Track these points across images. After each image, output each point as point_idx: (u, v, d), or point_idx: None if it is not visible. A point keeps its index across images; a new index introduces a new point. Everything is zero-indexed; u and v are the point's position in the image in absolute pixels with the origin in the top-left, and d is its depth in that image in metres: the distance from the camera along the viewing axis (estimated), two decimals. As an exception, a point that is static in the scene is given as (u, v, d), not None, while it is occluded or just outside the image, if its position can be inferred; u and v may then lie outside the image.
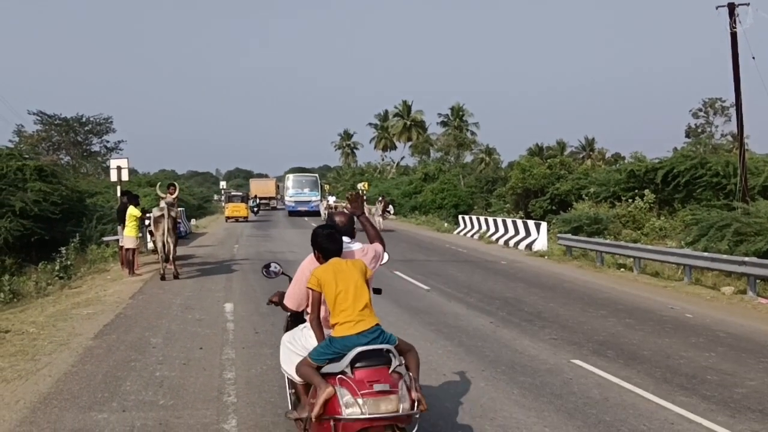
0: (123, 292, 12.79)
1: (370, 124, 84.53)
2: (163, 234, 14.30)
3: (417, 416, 3.93)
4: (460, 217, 33.62)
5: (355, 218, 5.08)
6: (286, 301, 4.68)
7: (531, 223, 24.58)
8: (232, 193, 50.21)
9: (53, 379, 6.95)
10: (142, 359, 7.74)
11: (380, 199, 35.54)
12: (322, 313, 4.34)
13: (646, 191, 27.20)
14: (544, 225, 23.76)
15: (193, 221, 37.01)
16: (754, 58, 22.24)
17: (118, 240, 17.36)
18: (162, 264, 14.52)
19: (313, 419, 3.87)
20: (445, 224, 36.27)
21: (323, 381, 3.92)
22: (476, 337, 9.25)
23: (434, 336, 9.23)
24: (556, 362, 7.91)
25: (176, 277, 14.47)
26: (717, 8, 22.19)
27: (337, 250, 4.40)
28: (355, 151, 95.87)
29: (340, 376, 3.89)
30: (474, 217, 31.23)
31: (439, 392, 6.61)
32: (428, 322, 10.23)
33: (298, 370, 4.23)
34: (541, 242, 22.82)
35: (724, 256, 14.18)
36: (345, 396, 3.79)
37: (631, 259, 17.18)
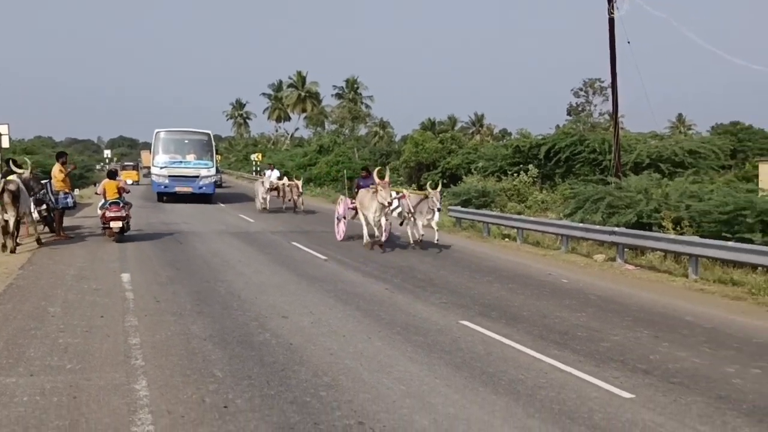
0: (10, 263, 12.38)
1: (264, 94, 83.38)
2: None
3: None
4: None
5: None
6: None
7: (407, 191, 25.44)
8: (125, 163, 60.83)
9: (-52, 349, 6.84)
10: (42, 327, 7.71)
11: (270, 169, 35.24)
12: None
13: (530, 166, 28.78)
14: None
15: (76, 191, 35.45)
16: (629, 42, 23.89)
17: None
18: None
19: None
20: (341, 196, 36.66)
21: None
22: (373, 302, 9.79)
23: (333, 302, 9.68)
24: (446, 323, 8.57)
25: (12, 251, 13.77)
26: (596, -6, 23.62)
27: None
28: (247, 121, 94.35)
29: None
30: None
31: (340, 351, 7.07)
32: (327, 289, 10.66)
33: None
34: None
35: (597, 227, 15.48)
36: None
37: (515, 230, 18.32)
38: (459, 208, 22.61)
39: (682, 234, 14.37)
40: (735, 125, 54.93)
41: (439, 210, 15.67)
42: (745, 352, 7.57)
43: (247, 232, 19.11)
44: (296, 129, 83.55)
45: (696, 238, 13.01)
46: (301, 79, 78.94)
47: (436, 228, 15.68)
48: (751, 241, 12.89)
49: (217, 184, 34.98)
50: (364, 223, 15.83)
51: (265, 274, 11.97)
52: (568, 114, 59.41)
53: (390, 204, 15.00)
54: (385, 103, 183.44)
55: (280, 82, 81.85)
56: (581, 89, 58.17)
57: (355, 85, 73.77)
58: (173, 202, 28.94)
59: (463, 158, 34.57)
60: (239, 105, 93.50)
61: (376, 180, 15.02)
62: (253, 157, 61.84)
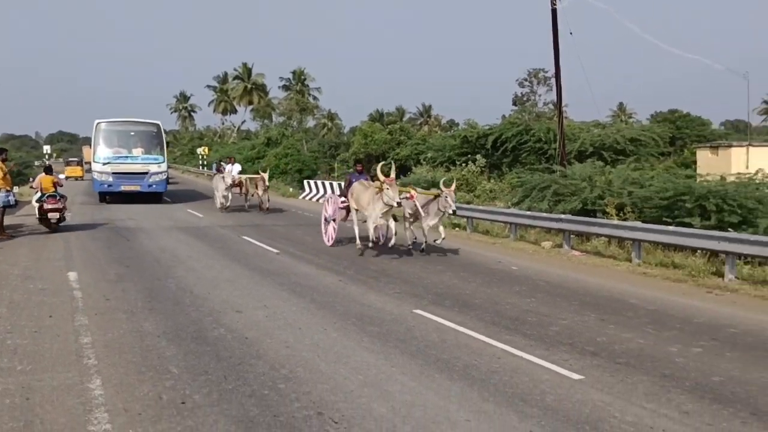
0: (-51, 265, 11.96)
1: (209, 86, 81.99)
2: None
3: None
4: (305, 182, 34.01)
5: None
6: None
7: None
8: (69, 159, 63.25)
9: None
10: (-13, 330, 7.51)
11: (217, 166, 34.78)
12: None
13: (478, 156, 29.13)
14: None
15: (16, 189, 34.33)
16: (571, 33, 24.45)
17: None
18: None
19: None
20: (290, 189, 36.49)
21: None
22: (327, 294, 9.83)
23: (287, 295, 9.68)
24: (400, 312, 8.68)
25: None
26: (541, -15, 24.06)
27: None
28: (192, 114, 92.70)
29: None
30: (320, 182, 31.76)
31: (296, 344, 7.10)
32: (280, 282, 10.64)
33: None
34: (384, 205, 23.85)
35: (544, 215, 15.84)
36: None
37: (465, 219, 18.57)
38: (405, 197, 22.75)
39: (625, 220, 14.81)
40: (673, 113, 56.53)
41: (454, 212, 13.71)
42: (687, 332, 7.90)
43: (196, 227, 18.86)
44: (243, 122, 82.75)
45: (638, 224, 13.43)
46: (247, 71, 77.95)
47: (442, 234, 13.78)
48: (690, 225, 13.36)
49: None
50: (356, 224, 14.23)
51: (217, 269, 11.87)
52: (514, 104, 60.22)
53: (399, 205, 13.15)
54: (333, 95, 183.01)
55: (226, 74, 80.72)
56: (526, 79, 59.00)
57: (303, 77, 73.27)
58: (119, 203, 26.32)
59: (412, 149, 34.78)
60: (183, 98, 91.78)
61: (381, 177, 13.11)
62: (200, 150, 60.84)
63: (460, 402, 5.49)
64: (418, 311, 8.74)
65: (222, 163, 29.77)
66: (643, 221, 14.30)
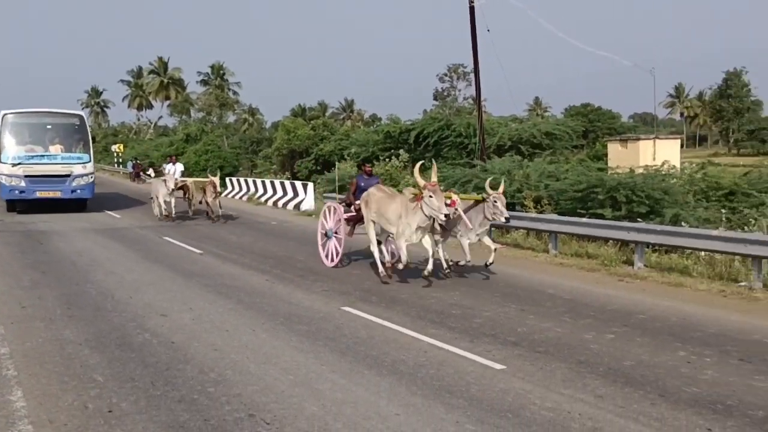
0: None
1: (123, 81, 79.37)
2: None
3: None
4: (227, 179, 33.49)
5: None
6: None
7: (298, 183, 25.47)
8: None
9: None
10: None
11: (133, 164, 33.71)
12: None
13: (401, 151, 29.43)
14: (311, 185, 24.79)
15: None
16: (489, 30, 25.02)
17: None
18: None
19: None
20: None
21: None
22: (254, 294, 9.81)
23: (213, 297, 9.60)
24: (328, 310, 8.78)
25: None
26: (458, -19, 24.52)
27: None
28: (105, 110, 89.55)
29: None
30: (242, 179, 31.39)
31: (224, 346, 7.09)
32: (205, 284, 10.53)
33: None
34: (309, 202, 23.85)
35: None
36: None
37: (390, 215, 18.77)
38: (334, 194, 22.82)
39: (542, 212, 15.38)
40: (586, 107, 58.81)
41: (507, 220, 11.15)
42: (601, 319, 8.34)
43: (114, 228, 18.33)
44: (160, 117, 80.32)
45: (554, 216, 13.99)
46: (163, 65, 75.84)
47: (492, 247, 11.23)
48: (602, 216, 14.00)
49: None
50: (373, 241, 11.15)
51: (138, 272, 11.63)
52: (435, 99, 61.27)
53: (448, 217, 10.01)
54: (254, 90, 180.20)
55: (140, 68, 78.29)
56: (446, 74, 60.07)
57: (222, 71, 71.86)
58: (34, 212, 21.37)
59: (335, 144, 34.75)
60: (95, 93, 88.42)
61: (420, 182, 10.10)
62: (114, 148, 58.80)
63: (389, 397, 5.64)
64: (347, 308, 8.86)
65: (163, 165, 24.18)
66: (559, 213, 14.88)
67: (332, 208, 12.60)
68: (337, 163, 31.35)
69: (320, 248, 12.67)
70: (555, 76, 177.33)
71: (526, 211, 15.57)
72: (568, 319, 8.36)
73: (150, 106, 78.83)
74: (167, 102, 75.68)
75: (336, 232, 12.20)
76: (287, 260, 12.88)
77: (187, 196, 21.12)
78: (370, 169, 13.03)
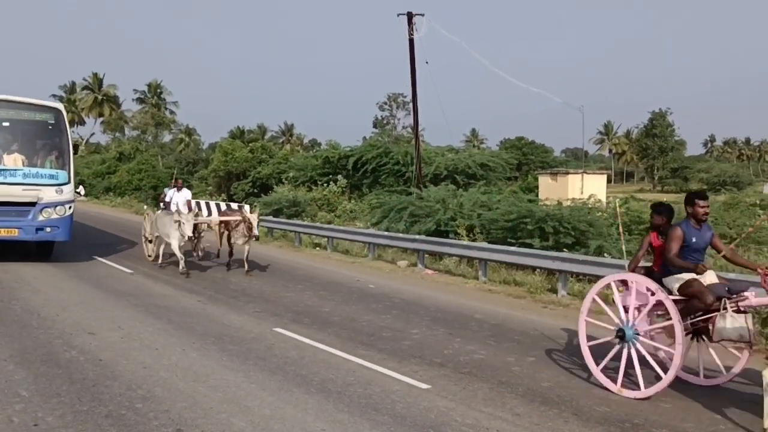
0: None
1: (54, 95, 77.17)
2: None
3: None
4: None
5: None
6: None
7: (234, 205, 25.33)
8: None
9: None
10: None
11: None
12: None
13: (340, 176, 29.73)
14: (247, 207, 24.68)
15: None
16: (427, 62, 25.79)
17: None
18: None
19: None
20: (145, 206, 35.18)
21: None
22: (185, 314, 9.79)
23: (143, 316, 9.54)
24: (260, 331, 8.86)
25: None
26: (398, 15, 25.20)
27: None
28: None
29: None
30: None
31: (154, 364, 7.09)
32: (135, 303, 10.44)
33: None
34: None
35: (401, 235, 16.58)
36: None
37: (326, 239, 18.96)
38: (270, 218, 22.85)
39: (474, 240, 15.85)
40: (520, 140, 60.72)
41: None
42: (523, 343, 8.70)
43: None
44: (92, 134, 78.45)
45: (485, 244, 14.45)
46: (98, 81, 74.28)
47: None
48: (531, 246, 14.54)
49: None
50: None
51: (66, 290, 11.41)
52: (374, 126, 61.98)
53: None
54: (191, 110, 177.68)
55: (74, 83, 76.38)
56: (386, 103, 60.96)
57: (159, 90, 71.05)
58: None
59: (274, 168, 34.79)
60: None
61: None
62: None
63: (316, 413, 5.79)
64: (278, 329, 8.95)
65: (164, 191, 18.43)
66: (490, 242, 15.36)
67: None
68: (275, 186, 31.40)
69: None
70: (491, 110, 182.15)
71: (458, 239, 16.00)
72: (493, 342, 8.69)
73: (82, 123, 76.89)
74: (100, 119, 74.01)
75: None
76: (220, 281, 12.87)
77: (195, 240, 15.30)
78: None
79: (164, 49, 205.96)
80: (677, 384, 6.87)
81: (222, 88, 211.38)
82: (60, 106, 15.10)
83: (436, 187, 23.67)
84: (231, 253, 14.87)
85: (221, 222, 15.42)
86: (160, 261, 14.71)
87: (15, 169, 13.75)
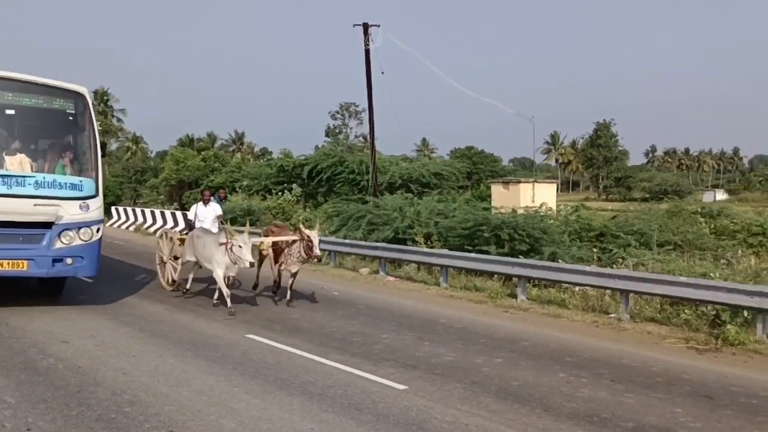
0: None
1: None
2: None
3: None
4: (113, 208, 32.41)
5: None
6: None
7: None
8: None
9: None
10: None
11: None
12: None
13: (294, 185, 29.81)
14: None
15: None
16: (383, 72, 26.12)
17: None
18: None
19: None
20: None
21: None
22: (154, 322, 9.83)
23: (113, 324, 9.54)
24: (233, 337, 8.99)
25: None
26: (354, 26, 25.55)
27: None
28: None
29: None
30: (129, 209, 30.57)
31: (134, 370, 7.17)
32: (101, 312, 10.40)
33: None
34: (200, 233, 23.58)
35: (363, 243, 16.83)
36: None
37: (285, 247, 19.04)
38: (226, 227, 22.80)
39: (432, 248, 16.22)
40: (470, 149, 61.84)
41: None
42: (489, 346, 9.06)
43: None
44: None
45: (445, 251, 14.83)
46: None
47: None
48: (487, 253, 14.99)
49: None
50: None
51: (31, 300, 11.25)
52: (327, 135, 62.16)
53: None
54: (139, 118, 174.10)
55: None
56: (338, 112, 61.24)
57: (105, 97, 69.62)
58: None
59: (227, 176, 34.57)
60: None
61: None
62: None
63: (302, 414, 6.01)
64: (251, 336, 9.10)
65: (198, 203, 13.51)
66: (448, 249, 15.76)
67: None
68: (228, 194, 31.22)
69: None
70: (442, 120, 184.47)
71: (417, 246, 16.35)
72: (461, 345, 9.02)
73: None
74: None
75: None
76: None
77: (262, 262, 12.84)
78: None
79: (110, 55, 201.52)
80: (638, 379, 7.37)
81: (170, 93, 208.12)
82: (84, 90, 10.79)
83: (391, 195, 24.02)
84: (279, 283, 12.18)
85: (282, 241, 11.93)
86: (188, 286, 12.26)
87: (24, 176, 9.87)
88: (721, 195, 78.33)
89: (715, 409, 6.61)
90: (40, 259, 9.95)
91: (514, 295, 12.74)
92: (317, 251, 11.34)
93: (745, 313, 10.12)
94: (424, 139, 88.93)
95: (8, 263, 9.73)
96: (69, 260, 10.20)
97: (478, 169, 52.09)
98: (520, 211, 19.86)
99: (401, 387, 6.97)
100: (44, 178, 10.10)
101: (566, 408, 6.50)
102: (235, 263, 10.62)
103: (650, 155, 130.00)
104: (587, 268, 12.16)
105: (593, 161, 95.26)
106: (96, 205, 10.49)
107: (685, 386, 7.34)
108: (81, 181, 10.44)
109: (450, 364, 8.02)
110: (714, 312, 10.45)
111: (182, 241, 12.55)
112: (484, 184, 37.32)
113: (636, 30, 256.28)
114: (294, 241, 11.60)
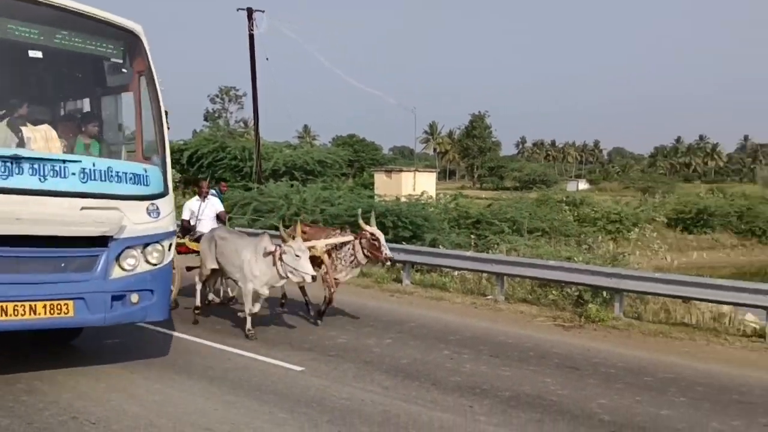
0: None
1: None
2: None
3: None
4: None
5: None
6: None
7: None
8: None
9: None
10: None
11: None
12: None
13: (174, 171, 29.08)
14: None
15: None
16: (267, 59, 26.03)
17: None
18: None
19: None
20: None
21: None
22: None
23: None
24: (122, 327, 8.82)
25: None
26: (237, 10, 25.24)
27: None
28: None
29: None
30: None
31: (20, 362, 7.02)
32: None
33: None
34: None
35: (250, 230, 16.88)
36: None
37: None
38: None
39: (320, 235, 16.54)
40: (352, 137, 62.44)
41: None
42: (379, 327, 9.55)
43: None
44: None
45: (332, 238, 15.20)
46: None
47: None
48: (373, 240, 15.53)
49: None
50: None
51: None
52: (205, 119, 60.59)
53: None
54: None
55: None
56: (217, 96, 59.84)
57: None
58: None
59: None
60: None
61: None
62: None
63: (205, 396, 6.20)
64: (142, 324, 9.03)
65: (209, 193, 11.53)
66: (336, 236, 16.15)
67: None
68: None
69: None
70: (324, 107, 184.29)
71: (304, 234, 16.60)
72: (351, 328, 9.45)
73: None
74: None
75: None
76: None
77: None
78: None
79: None
80: (513, 354, 8.12)
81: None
82: (138, 28, 6.96)
83: (275, 183, 24.09)
84: (330, 300, 9.79)
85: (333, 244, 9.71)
86: (220, 299, 10.91)
87: (65, 160, 6.06)
88: (583, 184, 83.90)
89: (580, 378, 7.43)
90: (92, 297, 6.21)
91: (399, 280, 13.34)
92: (387, 251, 9.37)
93: (605, 294, 11.26)
94: (306, 126, 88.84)
95: (44, 306, 5.90)
96: (135, 297, 6.54)
97: (359, 157, 52.78)
98: (403, 199, 20.62)
99: (298, 368, 7.29)
100: (94, 164, 6.22)
101: (451, 381, 7.08)
102: (284, 277, 8.37)
103: (521, 146, 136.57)
104: (466, 254, 12.99)
105: (469, 151, 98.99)
106: (167, 209, 6.83)
107: (554, 359, 8.15)
108: (146, 170, 6.69)
109: (343, 345, 8.43)
110: (577, 293, 11.56)
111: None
112: (367, 172, 38.01)
113: (508, 29, 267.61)
114: (344, 243, 9.66)
